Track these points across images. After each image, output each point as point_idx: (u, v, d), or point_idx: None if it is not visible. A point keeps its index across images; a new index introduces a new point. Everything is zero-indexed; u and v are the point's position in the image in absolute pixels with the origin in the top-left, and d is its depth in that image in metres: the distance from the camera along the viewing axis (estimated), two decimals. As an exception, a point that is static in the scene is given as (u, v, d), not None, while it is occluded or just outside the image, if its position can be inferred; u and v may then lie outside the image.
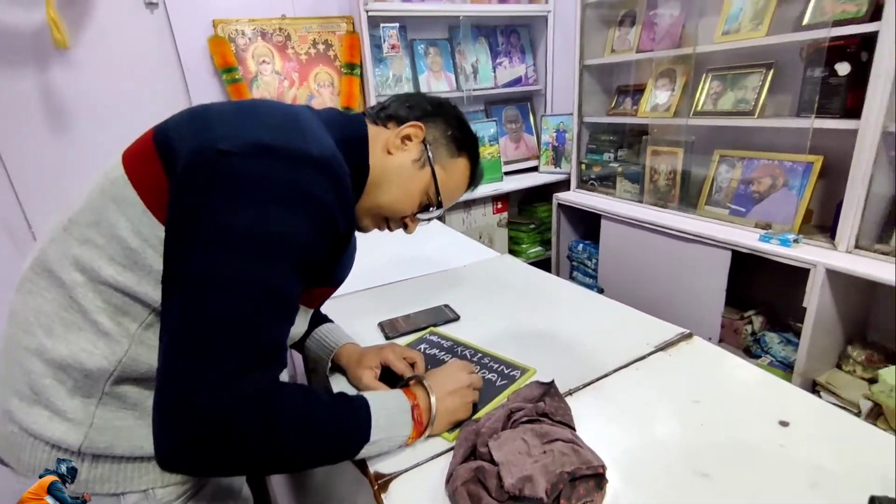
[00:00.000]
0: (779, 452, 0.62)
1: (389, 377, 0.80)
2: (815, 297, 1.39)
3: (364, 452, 0.61)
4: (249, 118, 0.58)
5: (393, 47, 2.35)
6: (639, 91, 2.18)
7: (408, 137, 0.74)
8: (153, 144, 0.58)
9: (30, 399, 0.58)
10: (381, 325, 1.04)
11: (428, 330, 1.00)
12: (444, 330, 1.00)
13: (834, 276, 1.36)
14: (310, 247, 0.56)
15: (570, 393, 0.77)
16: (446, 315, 1.06)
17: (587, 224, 2.43)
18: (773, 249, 1.47)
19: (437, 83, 2.52)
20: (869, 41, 1.30)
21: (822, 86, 1.43)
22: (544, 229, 2.78)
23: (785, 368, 1.58)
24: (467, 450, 0.63)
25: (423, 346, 0.94)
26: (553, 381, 0.73)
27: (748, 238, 1.56)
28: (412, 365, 0.82)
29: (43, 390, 0.57)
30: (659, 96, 2.01)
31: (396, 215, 0.77)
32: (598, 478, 0.55)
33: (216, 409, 0.48)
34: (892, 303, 1.48)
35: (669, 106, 1.94)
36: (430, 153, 0.74)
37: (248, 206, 0.52)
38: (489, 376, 0.82)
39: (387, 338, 0.99)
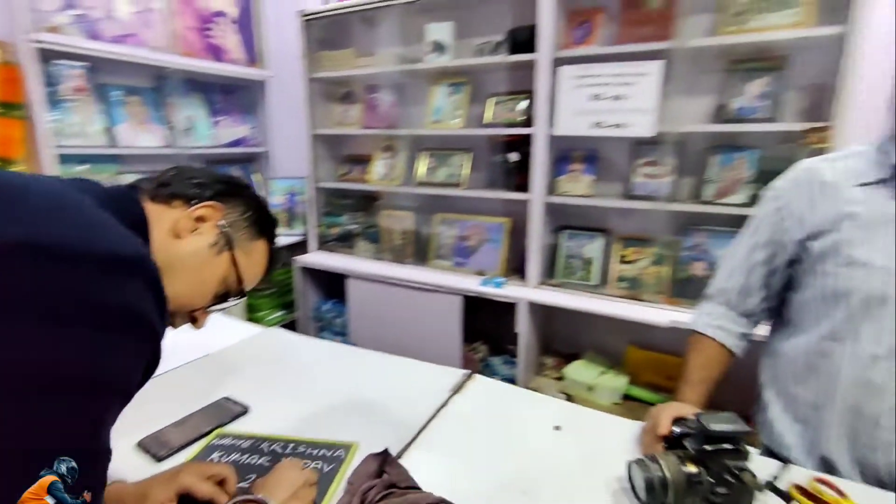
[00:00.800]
0: (554, 451, 0.81)
1: (190, 508, 0.64)
2: (524, 324, 1.82)
3: None
4: (9, 206, 0.42)
5: (78, 90, 1.91)
6: (366, 160, 2.42)
7: (202, 219, 0.63)
8: None
9: None
10: (141, 444, 0.81)
11: (215, 434, 0.85)
12: (235, 427, 0.87)
13: (531, 306, 1.83)
14: (128, 379, 0.44)
15: (399, 456, 0.79)
16: (231, 410, 0.91)
17: (329, 283, 2.48)
18: (491, 291, 1.87)
19: (144, 136, 2.16)
20: (527, 139, 1.85)
21: (503, 167, 1.94)
22: (283, 292, 2.67)
23: (511, 383, 1.98)
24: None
25: (215, 456, 0.79)
26: (386, 450, 0.74)
27: (472, 283, 1.93)
28: (220, 483, 0.68)
29: None
30: (385, 167, 2.29)
31: (186, 309, 0.64)
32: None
33: None
34: (564, 319, 2.07)
35: (395, 176, 2.24)
36: (229, 236, 0.65)
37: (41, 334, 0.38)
38: (314, 465, 0.76)
39: (156, 459, 0.78)
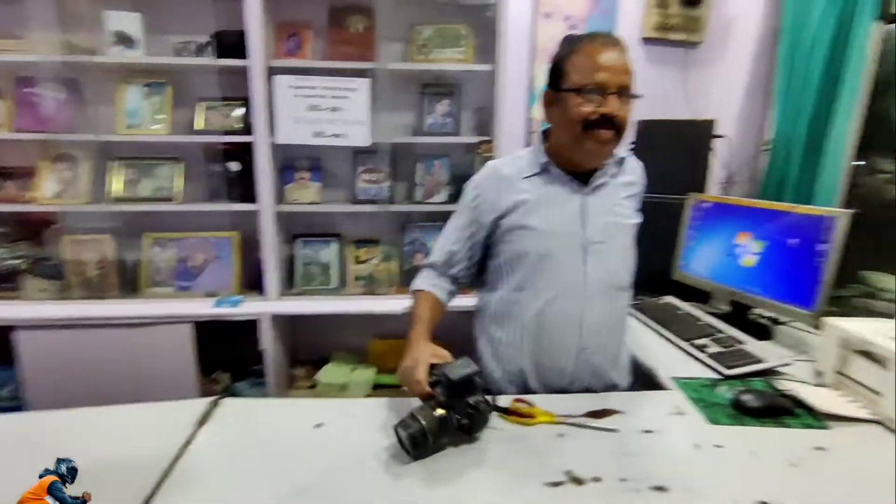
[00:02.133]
0: (323, 446, 0.84)
1: None
2: (268, 339, 1.75)
3: None
4: None
5: None
6: (24, 174, 1.87)
7: None
8: None
9: None
10: None
11: None
12: None
13: (274, 319, 1.77)
14: None
15: (140, 511, 0.67)
16: None
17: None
18: (229, 312, 1.72)
19: None
20: (247, 147, 1.77)
21: (225, 178, 1.81)
22: None
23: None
24: None
25: None
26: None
27: (203, 308, 1.73)
28: None
29: None
30: (59, 182, 1.81)
31: None
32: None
33: None
34: (308, 326, 2.07)
35: (78, 192, 1.80)
36: None
37: None
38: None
39: None
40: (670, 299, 1.57)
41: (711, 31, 1.97)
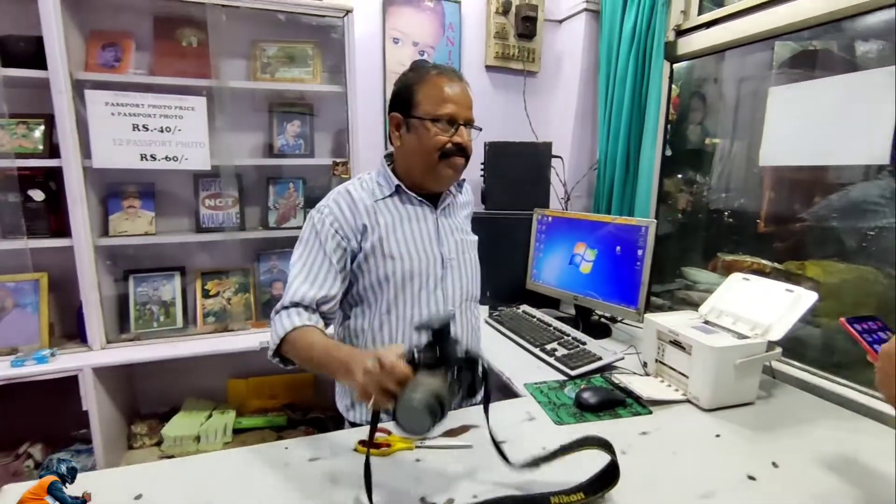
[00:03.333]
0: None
1: None
2: (92, 398, 1.48)
3: None
4: None
5: None
6: None
7: None
8: None
9: None
10: None
11: None
12: None
13: (100, 371, 1.51)
14: None
15: None
16: None
17: None
18: (33, 370, 1.42)
19: None
20: (53, 173, 1.50)
21: (23, 209, 1.50)
22: None
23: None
24: None
25: None
26: None
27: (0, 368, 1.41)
28: None
29: None
30: None
31: None
32: None
33: None
34: (150, 375, 1.80)
35: None
36: None
37: None
38: None
39: None
40: (525, 307, 1.68)
41: (545, 62, 2.18)
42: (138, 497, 0.76)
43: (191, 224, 1.78)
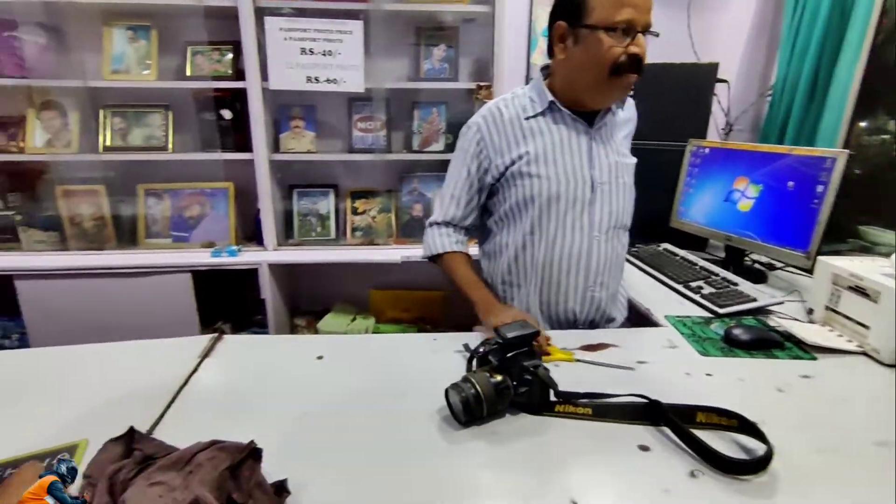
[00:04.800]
0: (326, 379, 0.86)
1: None
2: (268, 288, 1.76)
3: None
4: None
5: None
6: (11, 124, 1.82)
7: None
8: None
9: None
10: None
11: None
12: None
13: (273, 268, 1.78)
14: None
15: (150, 432, 0.70)
16: None
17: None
18: (226, 261, 1.73)
19: None
20: (239, 94, 1.73)
21: (218, 126, 1.77)
22: None
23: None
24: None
25: None
26: (132, 428, 0.65)
27: (200, 258, 1.74)
28: None
29: None
30: (50, 130, 1.77)
31: None
32: (253, 453, 0.59)
33: None
34: (308, 277, 2.08)
35: (68, 142, 1.77)
36: None
37: None
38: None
39: None
40: (667, 246, 1.58)
41: (718, -30, 1.89)
42: (320, 357, 0.92)
43: (344, 145, 1.95)
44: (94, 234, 1.82)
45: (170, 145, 1.80)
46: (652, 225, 1.72)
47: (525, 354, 0.74)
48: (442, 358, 0.91)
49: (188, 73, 1.76)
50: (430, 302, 2.09)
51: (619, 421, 0.72)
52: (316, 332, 1.98)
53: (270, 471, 0.58)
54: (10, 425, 0.72)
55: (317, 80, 1.70)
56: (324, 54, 1.68)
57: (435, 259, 1.14)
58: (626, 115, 1.12)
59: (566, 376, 0.83)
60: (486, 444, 0.68)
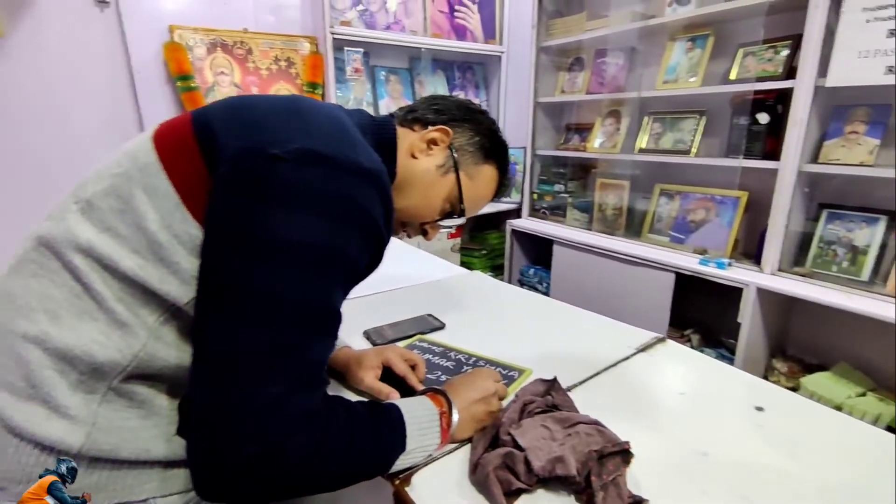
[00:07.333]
0: (758, 431, 0.70)
1: (389, 380, 0.79)
2: (748, 314, 1.56)
3: (398, 464, 0.58)
4: (298, 120, 0.56)
5: (356, 71, 2.40)
6: (586, 129, 2.38)
7: (433, 142, 0.72)
8: (193, 134, 0.54)
9: (23, 393, 0.51)
10: (366, 333, 1.02)
11: (416, 337, 1.01)
12: (433, 337, 1.01)
13: (763, 294, 1.55)
14: (356, 262, 0.55)
15: (568, 389, 0.81)
16: (432, 323, 1.07)
17: (537, 250, 2.56)
18: (712, 272, 1.65)
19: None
20: (783, 96, 1.53)
21: (747, 131, 1.65)
22: (494, 255, 2.88)
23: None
24: (488, 440, 0.64)
25: (414, 353, 0.94)
26: (555, 378, 0.77)
27: (688, 262, 1.73)
28: (413, 367, 0.81)
29: (41, 383, 0.50)
30: (604, 135, 2.20)
31: (416, 221, 0.75)
32: (624, 453, 0.59)
33: (267, 437, 0.46)
34: (807, 319, 1.69)
35: (615, 143, 2.14)
36: (455, 159, 0.73)
37: (298, 218, 0.49)
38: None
39: (374, 345, 0.98)
40: None
41: None
42: (759, 409, 0.76)
43: (926, 159, 1.38)
44: (612, 221, 2.16)
45: (694, 149, 1.85)
46: None
47: None
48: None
49: (732, 76, 1.71)
50: None
51: None
52: (796, 386, 1.60)
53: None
54: (487, 331, 1.01)
55: (904, 69, 1.26)
56: (928, 33, 1.21)
57: None
58: None
59: None
60: None
